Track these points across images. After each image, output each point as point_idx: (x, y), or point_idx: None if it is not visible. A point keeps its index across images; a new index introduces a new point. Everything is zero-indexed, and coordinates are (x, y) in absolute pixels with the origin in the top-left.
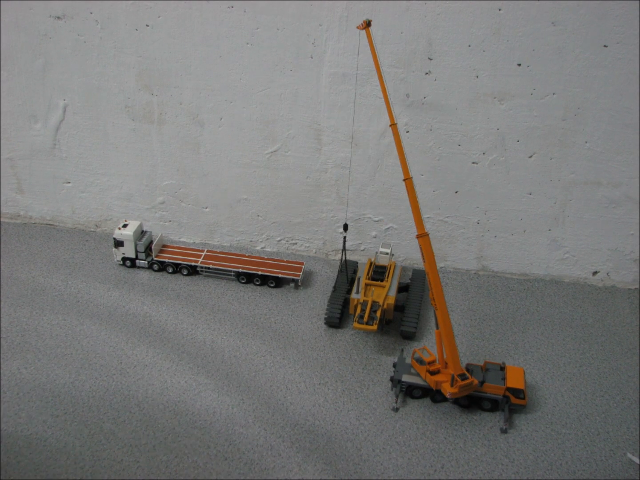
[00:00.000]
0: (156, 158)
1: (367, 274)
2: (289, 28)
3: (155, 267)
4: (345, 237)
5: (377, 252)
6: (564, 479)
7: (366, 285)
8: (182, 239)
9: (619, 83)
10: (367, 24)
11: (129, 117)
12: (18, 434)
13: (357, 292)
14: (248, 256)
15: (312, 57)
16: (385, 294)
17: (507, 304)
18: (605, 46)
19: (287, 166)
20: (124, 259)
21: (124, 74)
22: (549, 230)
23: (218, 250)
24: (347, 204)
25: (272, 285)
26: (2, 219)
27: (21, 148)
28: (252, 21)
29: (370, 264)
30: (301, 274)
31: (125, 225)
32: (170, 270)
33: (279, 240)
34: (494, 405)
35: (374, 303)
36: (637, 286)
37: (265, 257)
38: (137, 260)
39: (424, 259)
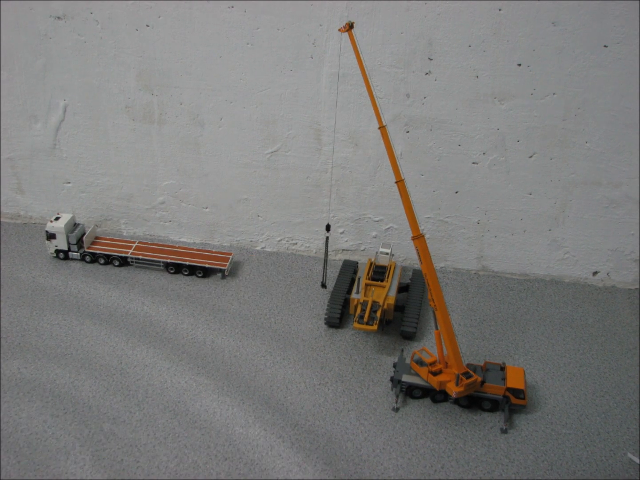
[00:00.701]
0: (156, 158)
1: (367, 274)
2: (289, 28)
3: (88, 258)
4: (327, 238)
5: (377, 252)
6: (564, 479)
7: (366, 285)
8: (182, 239)
9: (619, 83)
10: (350, 26)
11: (129, 117)
12: (18, 434)
13: (358, 292)
14: (178, 247)
15: (312, 57)
16: (386, 294)
17: (507, 304)
18: (605, 46)
19: (287, 166)
20: (57, 251)
21: (124, 74)
22: (549, 230)
23: (149, 242)
24: (329, 204)
25: (200, 275)
26: (3, 219)
27: (21, 148)
28: (252, 21)
29: (371, 264)
30: (228, 264)
31: (57, 218)
32: (102, 261)
33: (279, 241)
34: (494, 406)
35: (374, 303)
36: (637, 286)
37: (195, 248)
38: (70, 252)
39: (420, 260)
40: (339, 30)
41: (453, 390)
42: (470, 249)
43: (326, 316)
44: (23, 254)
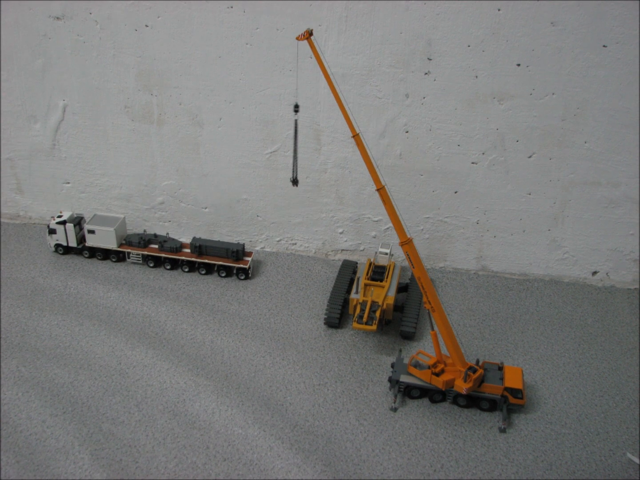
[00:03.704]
0: (156, 158)
1: (367, 274)
2: (288, 28)
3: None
4: (296, 121)
5: (376, 252)
6: (564, 479)
7: (365, 285)
8: (181, 239)
9: (618, 83)
10: (310, 34)
11: (129, 117)
12: (18, 434)
13: (357, 292)
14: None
15: (311, 58)
16: (385, 294)
17: (506, 304)
18: (604, 46)
19: (286, 166)
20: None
21: (124, 74)
22: (549, 230)
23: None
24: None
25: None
26: (2, 219)
27: (21, 148)
28: (251, 21)
29: (370, 264)
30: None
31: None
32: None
33: (278, 241)
34: (492, 405)
35: (373, 303)
36: (637, 286)
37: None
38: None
39: (412, 265)
40: (297, 38)
41: (463, 387)
42: (470, 249)
43: (325, 316)
44: (22, 254)
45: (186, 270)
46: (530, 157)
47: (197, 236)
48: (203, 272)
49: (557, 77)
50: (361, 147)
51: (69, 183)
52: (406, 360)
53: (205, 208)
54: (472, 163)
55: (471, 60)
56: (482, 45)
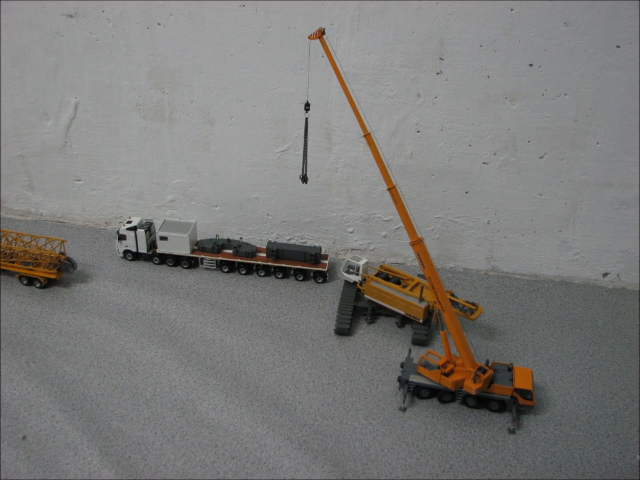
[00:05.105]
0: (167, 156)
1: (394, 283)
2: (300, 27)
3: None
4: (307, 119)
5: (361, 265)
6: None
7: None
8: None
9: (631, 84)
10: (322, 33)
11: (140, 115)
12: (28, 430)
13: (422, 300)
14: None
15: (323, 57)
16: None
17: (516, 305)
18: (617, 47)
19: (297, 165)
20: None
21: (136, 72)
22: (560, 231)
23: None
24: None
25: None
26: (13, 216)
27: (32, 145)
28: (263, 20)
29: (387, 277)
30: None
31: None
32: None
33: (288, 239)
34: (502, 406)
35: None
36: None
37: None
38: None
39: (422, 264)
40: (309, 37)
41: (472, 387)
42: (480, 249)
43: (336, 328)
44: None
45: (262, 274)
46: (541, 157)
47: (272, 240)
48: (280, 276)
49: (569, 77)
50: (372, 146)
51: (80, 180)
52: (416, 360)
53: (216, 206)
54: (484, 163)
55: (483, 60)
56: (494, 45)
